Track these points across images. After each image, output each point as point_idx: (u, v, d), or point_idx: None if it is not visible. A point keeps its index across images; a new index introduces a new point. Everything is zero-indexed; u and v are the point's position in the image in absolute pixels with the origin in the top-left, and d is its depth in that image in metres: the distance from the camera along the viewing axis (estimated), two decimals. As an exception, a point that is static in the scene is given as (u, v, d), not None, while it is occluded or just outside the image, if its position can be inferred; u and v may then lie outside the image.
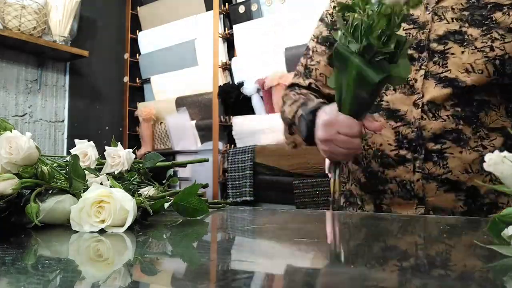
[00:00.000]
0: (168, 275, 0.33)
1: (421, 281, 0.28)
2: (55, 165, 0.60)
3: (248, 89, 2.43)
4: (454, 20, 0.77)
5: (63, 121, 2.67)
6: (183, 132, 2.75)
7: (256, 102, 2.44)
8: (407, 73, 0.63)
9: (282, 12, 2.38)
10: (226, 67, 2.62)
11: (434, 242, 0.47)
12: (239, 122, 2.51)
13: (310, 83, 0.94)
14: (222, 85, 2.57)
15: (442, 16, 0.78)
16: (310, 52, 0.96)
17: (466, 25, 0.76)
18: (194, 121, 2.70)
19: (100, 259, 0.40)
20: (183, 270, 0.35)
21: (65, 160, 0.65)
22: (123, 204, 0.50)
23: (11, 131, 0.54)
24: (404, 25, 0.80)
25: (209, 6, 2.67)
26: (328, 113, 0.72)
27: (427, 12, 0.79)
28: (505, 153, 0.41)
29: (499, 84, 0.76)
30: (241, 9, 2.58)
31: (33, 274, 0.32)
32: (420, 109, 0.77)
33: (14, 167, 0.53)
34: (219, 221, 0.67)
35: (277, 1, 2.44)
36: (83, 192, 0.53)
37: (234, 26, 2.59)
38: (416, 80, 0.78)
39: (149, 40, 3.00)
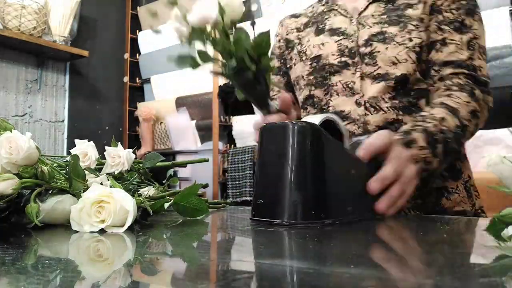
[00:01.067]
0: (168, 275, 0.33)
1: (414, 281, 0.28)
2: (55, 165, 0.60)
3: (248, 89, 2.43)
4: (375, 25, 0.87)
5: (63, 121, 2.67)
6: (183, 132, 2.75)
7: (256, 102, 2.44)
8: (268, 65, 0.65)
9: (282, 12, 2.38)
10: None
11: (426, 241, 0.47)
12: (239, 122, 2.51)
13: (280, 67, 1.02)
14: (222, 85, 2.57)
15: (365, 24, 0.88)
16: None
17: (386, 25, 0.86)
18: (194, 121, 2.70)
19: (100, 259, 0.40)
20: (183, 270, 0.35)
21: (65, 160, 0.65)
22: (123, 204, 0.50)
23: (11, 131, 0.54)
24: (335, 37, 0.90)
25: (209, 6, 2.67)
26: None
27: (353, 24, 0.90)
28: (505, 153, 0.41)
29: (421, 71, 0.84)
30: (241, 9, 2.58)
31: (33, 274, 0.32)
32: (363, 107, 0.84)
33: (14, 167, 0.53)
34: (219, 221, 0.67)
35: (277, 1, 2.44)
36: (83, 192, 0.53)
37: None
38: (354, 82, 0.86)
39: (149, 40, 3.00)
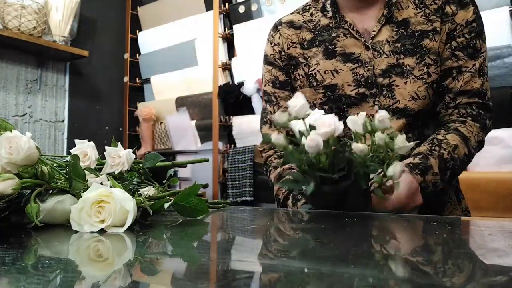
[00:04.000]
0: (168, 275, 0.33)
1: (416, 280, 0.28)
2: (55, 165, 0.60)
3: (248, 89, 2.43)
4: (391, 54, 0.84)
5: (63, 121, 2.67)
6: (183, 132, 2.75)
7: (256, 102, 2.44)
8: (379, 194, 0.64)
9: (282, 12, 2.38)
10: (226, 67, 2.62)
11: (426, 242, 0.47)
12: (239, 122, 2.51)
13: (287, 132, 0.95)
14: (222, 85, 2.57)
15: (381, 51, 0.85)
16: (273, 98, 0.97)
17: (402, 56, 0.84)
18: (194, 121, 2.70)
19: (100, 259, 0.40)
20: (183, 270, 0.35)
21: (65, 160, 0.65)
22: (123, 204, 0.50)
23: (11, 131, 0.54)
24: (349, 64, 0.86)
25: (209, 6, 2.67)
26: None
27: (367, 50, 0.86)
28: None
29: (433, 102, 0.86)
30: (241, 9, 2.58)
31: (33, 274, 0.32)
32: None
33: (14, 167, 0.53)
34: (219, 221, 0.67)
35: (277, 1, 2.44)
36: (83, 192, 0.53)
37: (234, 26, 2.59)
38: (373, 117, 0.83)
39: (149, 40, 3.00)
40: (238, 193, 2.41)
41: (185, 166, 0.91)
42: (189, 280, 0.31)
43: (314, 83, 0.89)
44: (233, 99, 2.50)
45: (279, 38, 0.96)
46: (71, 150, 0.67)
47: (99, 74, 2.87)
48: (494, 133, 1.75)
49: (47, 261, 0.38)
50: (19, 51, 2.43)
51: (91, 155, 0.67)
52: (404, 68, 0.82)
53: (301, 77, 0.92)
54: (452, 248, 0.42)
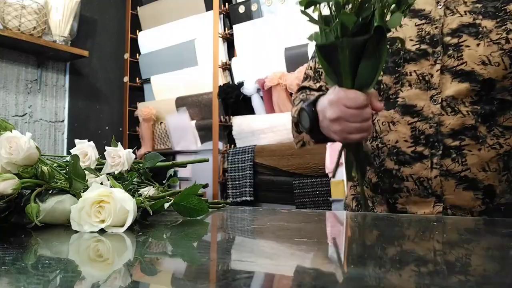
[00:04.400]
0: (168, 275, 0.33)
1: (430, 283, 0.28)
2: (55, 165, 0.60)
3: (248, 89, 2.43)
4: (467, 13, 0.76)
5: (63, 121, 2.67)
6: (183, 132, 2.75)
7: (256, 102, 2.44)
8: (396, 22, 0.61)
9: (282, 12, 2.38)
10: (226, 67, 2.62)
11: (449, 244, 0.47)
12: (239, 122, 2.51)
13: (320, 86, 0.92)
14: (222, 85, 2.57)
15: (455, 10, 0.77)
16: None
17: (480, 17, 0.75)
18: (194, 121, 2.70)
19: (100, 259, 0.40)
20: (183, 270, 0.35)
21: (65, 160, 0.65)
22: (123, 204, 0.50)
23: (11, 131, 0.54)
24: (415, 20, 0.80)
25: (209, 6, 2.67)
26: (331, 93, 0.70)
27: (439, 7, 0.79)
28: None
29: None
30: (241, 9, 2.58)
31: (33, 274, 0.32)
32: (439, 105, 0.76)
33: (14, 167, 0.53)
34: (219, 221, 0.67)
35: (277, 1, 2.44)
36: (83, 192, 0.53)
37: (234, 26, 2.59)
38: (432, 75, 0.77)
39: (149, 40, 3.00)
40: (238, 193, 2.41)
41: (185, 166, 0.91)
42: (189, 280, 0.31)
43: None
44: (233, 99, 2.50)
45: None
46: (71, 150, 0.67)
47: (99, 74, 2.87)
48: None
49: (47, 261, 0.38)
50: (19, 51, 2.43)
51: (91, 155, 0.67)
52: (480, 29, 0.75)
53: None
54: (456, 248, 0.41)
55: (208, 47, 2.63)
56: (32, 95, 2.51)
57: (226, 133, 2.61)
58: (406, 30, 0.80)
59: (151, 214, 0.57)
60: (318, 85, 0.93)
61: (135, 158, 0.70)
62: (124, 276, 0.32)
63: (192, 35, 2.74)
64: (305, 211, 0.75)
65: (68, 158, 0.63)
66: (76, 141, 0.68)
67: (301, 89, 0.96)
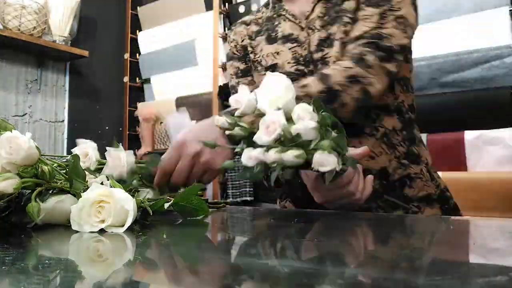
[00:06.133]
0: (168, 275, 0.33)
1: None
2: (55, 165, 0.60)
3: (248, 89, 2.43)
4: (322, 28, 0.85)
5: (63, 121, 2.67)
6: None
7: (256, 102, 2.44)
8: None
9: (282, 12, 2.38)
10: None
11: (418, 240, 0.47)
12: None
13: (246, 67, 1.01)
14: (222, 85, 2.57)
15: (314, 27, 0.86)
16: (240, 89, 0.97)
17: (329, 26, 0.84)
18: (194, 121, 2.70)
19: (100, 259, 0.40)
20: (183, 270, 0.35)
21: (64, 160, 0.65)
22: (123, 204, 0.50)
23: (11, 131, 0.54)
24: (288, 44, 0.88)
25: (209, 6, 2.67)
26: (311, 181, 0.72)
27: (302, 30, 0.88)
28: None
29: None
30: (241, 9, 2.58)
31: (33, 274, 0.32)
32: None
33: (15, 167, 0.53)
34: (219, 221, 0.67)
35: (277, 1, 2.43)
36: (83, 192, 0.53)
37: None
38: None
39: (149, 40, 3.00)
40: (238, 193, 2.41)
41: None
42: (189, 280, 0.31)
43: (259, 68, 0.94)
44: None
45: (234, 35, 1.04)
46: (72, 150, 0.67)
47: (99, 74, 2.87)
48: (494, 133, 1.75)
49: (47, 261, 0.38)
50: (19, 51, 2.43)
51: (91, 155, 0.67)
52: (331, 37, 0.83)
53: (251, 64, 0.98)
54: (453, 247, 0.42)
55: (208, 47, 2.63)
56: (32, 95, 2.51)
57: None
58: (283, 55, 0.89)
59: (151, 214, 0.57)
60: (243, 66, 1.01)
61: (135, 158, 0.70)
62: (124, 276, 0.32)
63: (192, 35, 2.74)
64: (306, 211, 0.76)
65: (69, 157, 0.63)
66: (79, 140, 0.68)
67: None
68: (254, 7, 2.53)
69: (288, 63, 0.88)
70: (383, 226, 0.58)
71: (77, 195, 0.54)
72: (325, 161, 0.54)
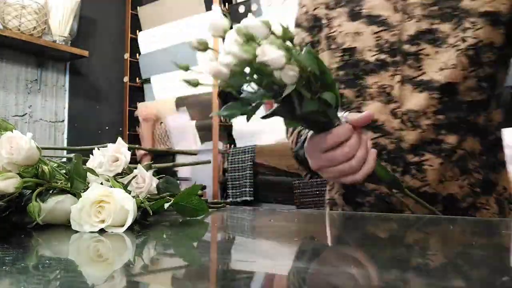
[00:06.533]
0: (168, 275, 0.33)
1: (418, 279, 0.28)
2: (55, 165, 0.60)
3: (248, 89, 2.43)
4: (424, 18, 0.72)
5: (63, 121, 2.67)
6: (183, 132, 2.75)
7: (256, 102, 2.44)
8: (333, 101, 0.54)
9: (282, 12, 2.38)
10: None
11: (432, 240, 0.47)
12: (239, 122, 2.51)
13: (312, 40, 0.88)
14: (222, 85, 2.57)
15: (412, 14, 0.73)
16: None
17: (437, 21, 0.72)
18: (194, 121, 2.70)
19: (100, 259, 0.40)
20: (183, 270, 0.35)
21: (63, 160, 0.65)
22: (123, 204, 0.50)
23: (12, 132, 0.54)
24: (373, 27, 0.76)
25: (209, 6, 2.67)
26: (306, 142, 0.64)
27: (397, 12, 0.74)
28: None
29: (479, 77, 0.71)
30: (241, 9, 2.58)
31: (33, 274, 0.32)
32: (399, 119, 0.72)
33: (15, 167, 0.53)
34: (219, 221, 0.67)
35: (277, 1, 2.44)
36: (83, 192, 0.53)
37: (234, 26, 2.59)
38: (392, 87, 0.73)
39: (149, 40, 3.00)
40: (238, 193, 2.41)
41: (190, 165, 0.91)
42: (189, 280, 0.31)
43: (333, 46, 0.80)
44: (233, 99, 2.50)
45: None
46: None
47: (99, 74, 2.87)
48: (494, 133, 1.75)
49: (47, 261, 0.38)
50: (19, 51, 2.43)
51: (121, 161, 0.61)
52: (437, 34, 0.71)
53: (322, 39, 0.83)
54: (456, 248, 0.42)
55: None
56: (32, 95, 2.51)
57: (226, 133, 2.61)
58: (365, 38, 0.76)
59: (151, 214, 0.57)
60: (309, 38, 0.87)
61: (134, 157, 0.70)
62: (124, 276, 0.32)
63: (192, 35, 2.74)
64: (305, 211, 0.75)
65: (73, 156, 0.63)
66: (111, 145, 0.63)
67: None
68: (254, 7, 2.53)
69: (369, 50, 0.75)
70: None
71: (77, 195, 0.54)
72: (269, 51, 0.46)
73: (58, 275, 0.32)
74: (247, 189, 2.37)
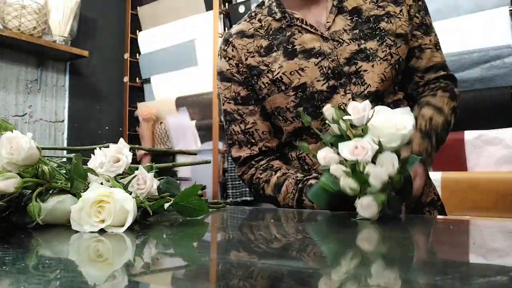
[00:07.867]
0: (168, 275, 0.33)
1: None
2: (55, 165, 0.60)
3: (248, 89, 2.43)
4: (351, 41, 0.84)
5: (63, 121, 2.67)
6: (183, 132, 2.75)
7: (256, 102, 2.44)
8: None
9: (282, 12, 2.38)
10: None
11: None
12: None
13: (260, 148, 0.92)
14: (222, 85, 2.57)
15: (340, 40, 0.84)
16: (238, 116, 0.92)
17: (363, 41, 0.83)
18: (194, 121, 2.70)
19: (100, 259, 0.40)
20: (183, 270, 0.35)
21: (63, 160, 0.65)
22: (123, 204, 0.50)
23: (12, 132, 0.54)
24: (313, 59, 0.84)
25: (209, 6, 2.67)
26: None
27: (326, 42, 0.84)
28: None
29: (395, 83, 0.87)
30: (241, 9, 2.58)
31: (33, 274, 0.32)
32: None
33: (15, 167, 0.53)
34: (219, 221, 0.67)
35: (277, 1, 2.44)
36: (83, 192, 0.53)
37: (234, 26, 2.59)
38: (346, 105, 0.81)
39: (149, 40, 3.00)
40: (238, 193, 2.41)
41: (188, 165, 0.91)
42: (189, 280, 0.31)
43: (283, 87, 0.85)
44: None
45: (233, 50, 0.91)
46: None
47: (99, 74, 2.87)
48: (494, 133, 1.76)
49: (47, 261, 0.38)
50: (19, 51, 2.43)
51: (122, 161, 0.61)
52: (368, 52, 0.83)
53: (267, 85, 0.87)
54: (452, 248, 0.42)
55: (208, 47, 2.63)
56: (32, 95, 2.51)
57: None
58: (310, 72, 0.84)
59: (151, 214, 0.57)
60: (257, 148, 0.92)
61: (134, 156, 0.70)
62: (124, 276, 0.32)
63: (192, 35, 2.74)
64: (305, 211, 0.76)
65: (73, 156, 0.63)
66: (113, 145, 0.63)
67: (243, 162, 0.93)
68: (254, 7, 2.53)
69: (318, 80, 0.83)
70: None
71: (77, 195, 0.54)
72: (367, 205, 0.55)
73: (58, 275, 0.32)
74: (247, 189, 2.37)
